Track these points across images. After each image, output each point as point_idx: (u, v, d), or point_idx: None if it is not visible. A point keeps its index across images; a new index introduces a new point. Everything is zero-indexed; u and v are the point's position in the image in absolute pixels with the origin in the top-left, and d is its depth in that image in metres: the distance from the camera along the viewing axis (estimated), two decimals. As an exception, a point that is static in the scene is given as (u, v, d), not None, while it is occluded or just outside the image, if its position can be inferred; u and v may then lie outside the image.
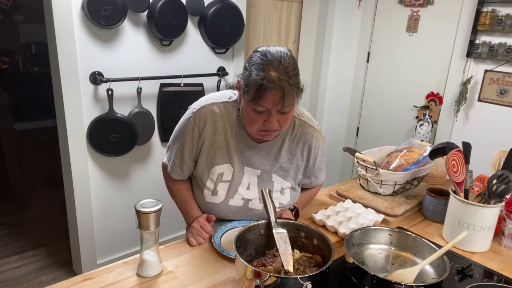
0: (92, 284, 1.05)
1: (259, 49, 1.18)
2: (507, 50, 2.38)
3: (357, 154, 1.64)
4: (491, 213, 1.28)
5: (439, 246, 1.12)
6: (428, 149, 1.64)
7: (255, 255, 1.13)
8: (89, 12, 1.98)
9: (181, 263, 1.17)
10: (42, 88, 3.76)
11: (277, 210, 1.24)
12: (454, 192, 1.35)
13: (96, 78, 2.15)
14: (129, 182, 2.47)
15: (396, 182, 1.58)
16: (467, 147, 1.40)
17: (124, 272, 1.11)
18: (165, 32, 2.26)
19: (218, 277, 1.11)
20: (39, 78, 4.56)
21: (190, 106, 1.35)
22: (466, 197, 1.33)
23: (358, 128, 3.33)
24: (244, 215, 1.38)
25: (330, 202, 1.63)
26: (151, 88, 2.38)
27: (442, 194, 1.49)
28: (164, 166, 1.44)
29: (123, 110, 2.27)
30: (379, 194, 1.62)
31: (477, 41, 2.52)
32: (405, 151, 1.69)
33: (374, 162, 1.58)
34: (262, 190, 1.18)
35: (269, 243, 1.13)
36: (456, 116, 2.70)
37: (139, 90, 2.26)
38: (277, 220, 1.12)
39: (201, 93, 2.51)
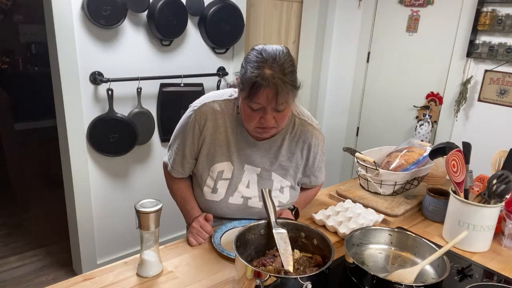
0: (92, 284, 1.05)
1: (256, 47, 1.19)
2: (507, 50, 2.38)
3: (357, 154, 1.64)
4: (491, 213, 1.28)
5: (439, 246, 1.12)
6: (428, 149, 1.64)
7: (255, 255, 1.13)
8: (89, 12, 1.98)
9: (181, 263, 1.17)
10: (42, 88, 3.76)
11: (277, 209, 1.24)
12: (454, 192, 1.35)
13: (96, 78, 2.15)
14: (129, 182, 2.47)
15: (396, 182, 1.58)
16: (467, 147, 1.40)
17: (124, 272, 1.11)
18: (165, 32, 2.26)
19: (218, 277, 1.11)
20: (39, 78, 4.56)
21: (191, 104, 1.35)
22: (466, 197, 1.33)
23: (358, 128, 3.33)
24: (243, 213, 1.38)
25: (330, 202, 1.63)
26: (151, 88, 2.38)
27: (442, 194, 1.49)
28: (165, 165, 1.45)
29: (123, 110, 2.27)
30: (379, 194, 1.62)
31: (477, 41, 2.52)
32: (405, 151, 1.69)
33: (374, 162, 1.58)
34: (262, 190, 1.18)
35: (269, 243, 1.13)
36: (456, 116, 2.70)
37: (139, 90, 2.26)
38: (277, 220, 1.12)
39: (201, 93, 2.50)
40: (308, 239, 1.14)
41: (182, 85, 2.44)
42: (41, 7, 2.04)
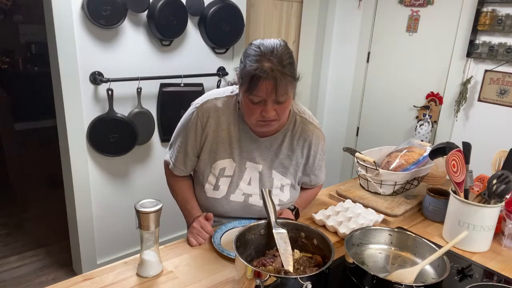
0: (92, 284, 1.05)
1: (254, 42, 1.20)
2: (507, 50, 2.38)
3: (357, 154, 1.64)
4: (491, 213, 1.28)
5: (439, 246, 1.12)
6: (428, 149, 1.64)
7: (255, 255, 1.13)
8: (89, 12, 1.98)
9: (181, 263, 1.17)
10: (42, 88, 3.76)
11: (277, 208, 1.24)
12: (454, 192, 1.35)
13: (96, 78, 2.15)
14: (129, 182, 2.47)
15: (396, 182, 1.58)
16: (467, 147, 1.40)
17: (124, 272, 1.11)
18: (165, 32, 2.26)
19: (218, 277, 1.11)
20: (39, 78, 4.55)
21: (193, 102, 1.36)
22: (466, 197, 1.33)
23: (358, 128, 3.33)
24: (244, 211, 1.38)
25: (330, 202, 1.63)
26: (151, 88, 2.38)
27: (442, 194, 1.49)
28: (166, 164, 1.45)
29: (123, 110, 2.27)
30: (379, 194, 1.62)
31: (477, 41, 2.51)
32: (405, 151, 1.69)
33: (374, 162, 1.58)
34: (262, 190, 1.18)
35: (269, 243, 1.13)
36: (456, 116, 2.70)
37: (139, 90, 2.26)
38: (277, 220, 1.12)
39: (201, 93, 2.47)
40: (308, 239, 1.14)
41: (182, 85, 2.44)
42: (41, 7, 2.04)
